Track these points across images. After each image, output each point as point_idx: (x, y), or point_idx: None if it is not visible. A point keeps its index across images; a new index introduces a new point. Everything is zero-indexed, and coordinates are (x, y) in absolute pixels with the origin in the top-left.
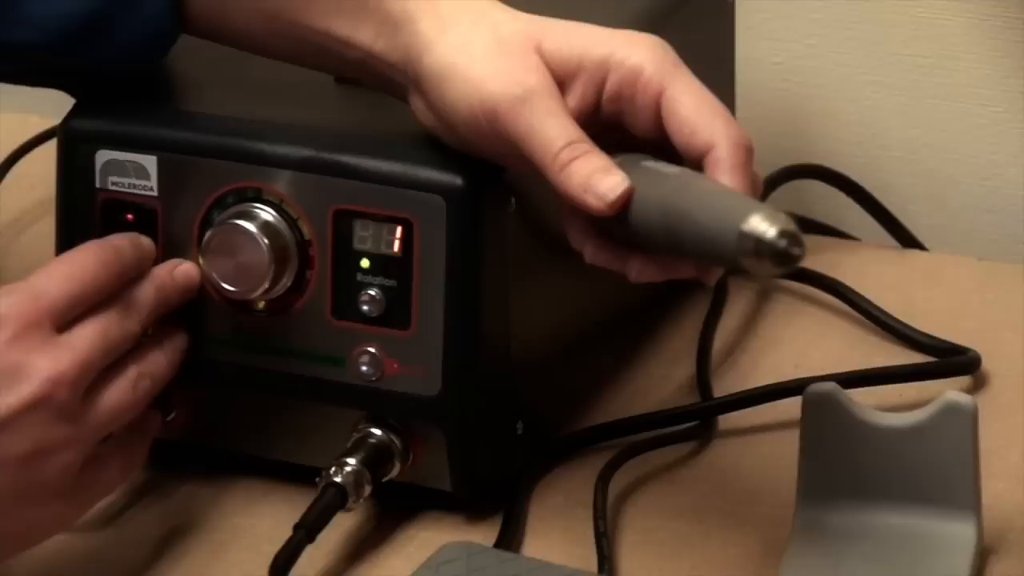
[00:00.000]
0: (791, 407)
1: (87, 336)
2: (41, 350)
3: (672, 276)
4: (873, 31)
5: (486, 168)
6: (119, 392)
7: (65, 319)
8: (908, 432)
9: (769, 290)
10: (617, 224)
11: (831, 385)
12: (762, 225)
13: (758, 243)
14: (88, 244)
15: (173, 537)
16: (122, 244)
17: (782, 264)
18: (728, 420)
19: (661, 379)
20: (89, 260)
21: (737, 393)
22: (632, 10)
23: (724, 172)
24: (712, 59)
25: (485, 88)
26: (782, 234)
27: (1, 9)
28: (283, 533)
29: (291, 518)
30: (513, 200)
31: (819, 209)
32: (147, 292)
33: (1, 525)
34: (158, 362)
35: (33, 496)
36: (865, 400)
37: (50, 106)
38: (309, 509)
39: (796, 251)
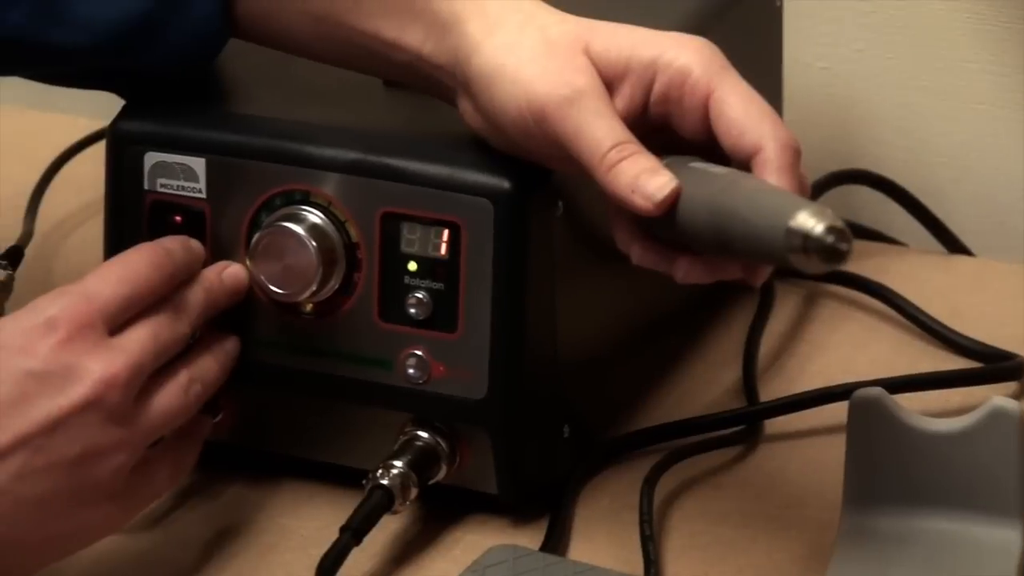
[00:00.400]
0: (837, 412)
1: (139, 338)
2: (93, 352)
3: (719, 277)
4: (921, 36)
5: (533, 171)
6: (171, 396)
7: (117, 321)
8: (954, 437)
9: (816, 295)
10: (664, 225)
11: (877, 390)
12: (809, 221)
13: (806, 239)
14: (140, 246)
15: (220, 538)
16: (173, 247)
17: (830, 260)
18: (774, 424)
19: (708, 383)
20: (141, 262)
21: (784, 398)
22: (680, 14)
23: (772, 173)
24: (760, 63)
25: (533, 89)
26: (829, 230)
27: (52, 11)
28: (329, 535)
29: (337, 520)
30: (560, 203)
31: (866, 214)
32: (197, 295)
33: (52, 526)
34: (210, 367)
35: (84, 498)
36: (911, 405)
37: (99, 108)
38: (356, 511)
39: (843, 247)
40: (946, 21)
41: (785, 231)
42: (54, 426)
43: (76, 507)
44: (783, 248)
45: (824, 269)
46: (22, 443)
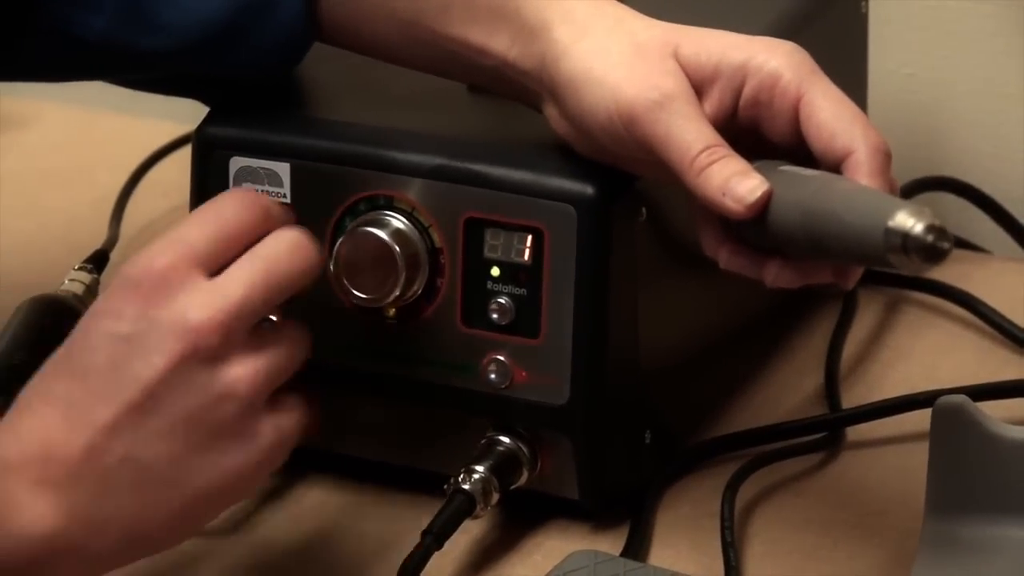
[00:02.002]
0: (920, 419)
1: (239, 276)
2: (182, 299)
3: (809, 281)
4: (1006, 43)
5: (617, 177)
6: (285, 337)
7: (212, 262)
8: None
9: (899, 302)
10: (754, 228)
11: (961, 398)
12: (909, 220)
13: (905, 238)
14: (224, 192)
15: (301, 543)
16: (259, 194)
17: (930, 259)
18: (857, 431)
19: (790, 389)
20: (227, 201)
21: (866, 405)
22: (766, 20)
23: (863, 177)
24: (845, 69)
25: (623, 93)
26: (929, 228)
27: (138, 17)
28: (411, 540)
29: (418, 525)
30: (643, 209)
31: (950, 221)
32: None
33: (187, 485)
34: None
35: (210, 446)
36: (995, 413)
37: (185, 112)
38: (437, 516)
39: (944, 245)
40: None
41: (885, 231)
42: (156, 386)
43: (205, 457)
44: (883, 248)
45: (924, 269)
46: (131, 410)
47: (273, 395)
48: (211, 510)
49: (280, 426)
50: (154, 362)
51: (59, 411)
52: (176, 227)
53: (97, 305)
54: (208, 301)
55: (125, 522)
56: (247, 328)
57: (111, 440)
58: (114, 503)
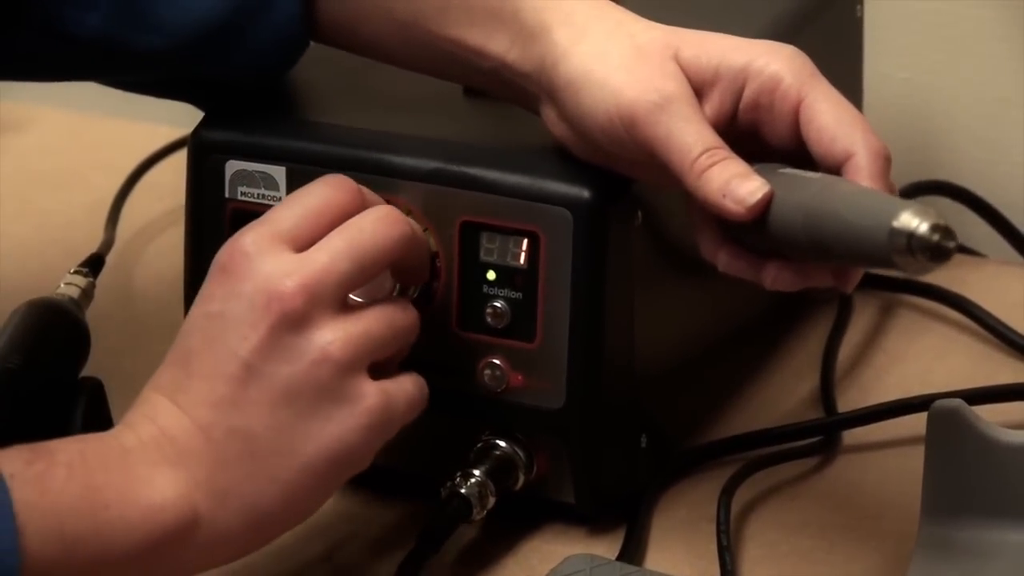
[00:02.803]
0: (916, 423)
1: (328, 247)
2: (270, 271)
3: (809, 284)
4: (1001, 47)
5: (612, 181)
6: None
7: (302, 238)
8: None
9: (894, 305)
10: (754, 231)
11: (957, 402)
12: (914, 220)
13: (911, 238)
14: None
15: (295, 546)
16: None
17: (935, 259)
18: (852, 435)
19: (785, 393)
20: (317, 184)
21: (862, 408)
22: (761, 23)
23: (864, 180)
24: (840, 73)
25: (623, 95)
26: (934, 228)
27: (132, 15)
28: (406, 543)
29: (413, 529)
30: (639, 213)
31: None
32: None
33: (307, 448)
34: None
35: (311, 411)
36: (991, 417)
37: (180, 116)
38: (433, 520)
39: (949, 244)
40: None
41: (889, 231)
42: (252, 357)
43: (310, 424)
44: (887, 248)
45: (929, 269)
46: (230, 383)
47: (381, 369)
48: (326, 481)
49: (387, 391)
50: (246, 334)
51: (167, 397)
52: (275, 207)
53: (198, 294)
54: (291, 269)
55: (244, 495)
56: (335, 296)
57: (216, 414)
58: (228, 475)
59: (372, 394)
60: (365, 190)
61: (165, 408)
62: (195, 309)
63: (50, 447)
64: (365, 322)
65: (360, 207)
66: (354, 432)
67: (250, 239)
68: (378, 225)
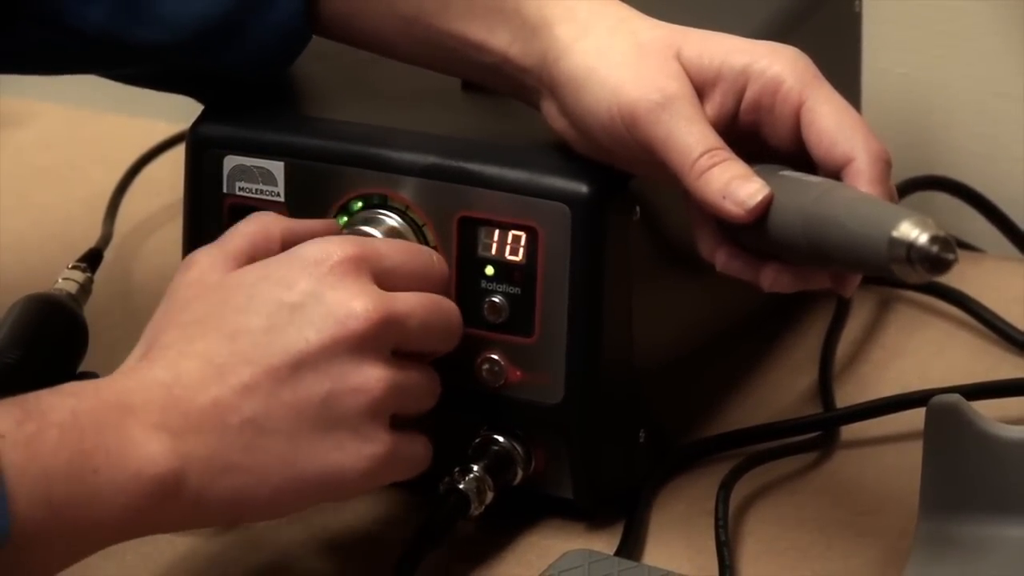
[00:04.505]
0: (914, 418)
1: (410, 300)
2: (353, 291)
3: (807, 287)
4: (999, 42)
5: (611, 177)
6: (424, 369)
7: (387, 279)
8: None
9: (892, 300)
10: (753, 232)
11: (955, 397)
12: (913, 231)
13: (910, 249)
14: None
15: (294, 542)
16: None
17: (934, 270)
18: (851, 431)
19: (784, 388)
20: (420, 246)
21: (860, 404)
22: (760, 20)
23: (863, 185)
24: (839, 69)
25: (624, 93)
26: (934, 240)
27: (133, 9)
28: (403, 537)
29: (412, 524)
30: (637, 208)
31: (943, 221)
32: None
33: (297, 463)
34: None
35: (327, 432)
36: (989, 412)
37: (178, 111)
38: (432, 515)
39: (949, 256)
40: None
41: (888, 241)
42: (301, 359)
43: (320, 443)
44: (886, 258)
45: (928, 279)
46: (269, 376)
47: (400, 424)
48: (310, 498)
49: (398, 446)
50: (307, 335)
51: (196, 365)
52: (373, 239)
53: (268, 270)
54: (376, 300)
55: (235, 483)
56: (396, 343)
57: (241, 400)
58: (226, 461)
59: (385, 442)
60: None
61: (189, 376)
62: (268, 289)
63: (42, 405)
64: (410, 376)
65: (444, 291)
66: (354, 469)
67: (352, 253)
68: (450, 320)
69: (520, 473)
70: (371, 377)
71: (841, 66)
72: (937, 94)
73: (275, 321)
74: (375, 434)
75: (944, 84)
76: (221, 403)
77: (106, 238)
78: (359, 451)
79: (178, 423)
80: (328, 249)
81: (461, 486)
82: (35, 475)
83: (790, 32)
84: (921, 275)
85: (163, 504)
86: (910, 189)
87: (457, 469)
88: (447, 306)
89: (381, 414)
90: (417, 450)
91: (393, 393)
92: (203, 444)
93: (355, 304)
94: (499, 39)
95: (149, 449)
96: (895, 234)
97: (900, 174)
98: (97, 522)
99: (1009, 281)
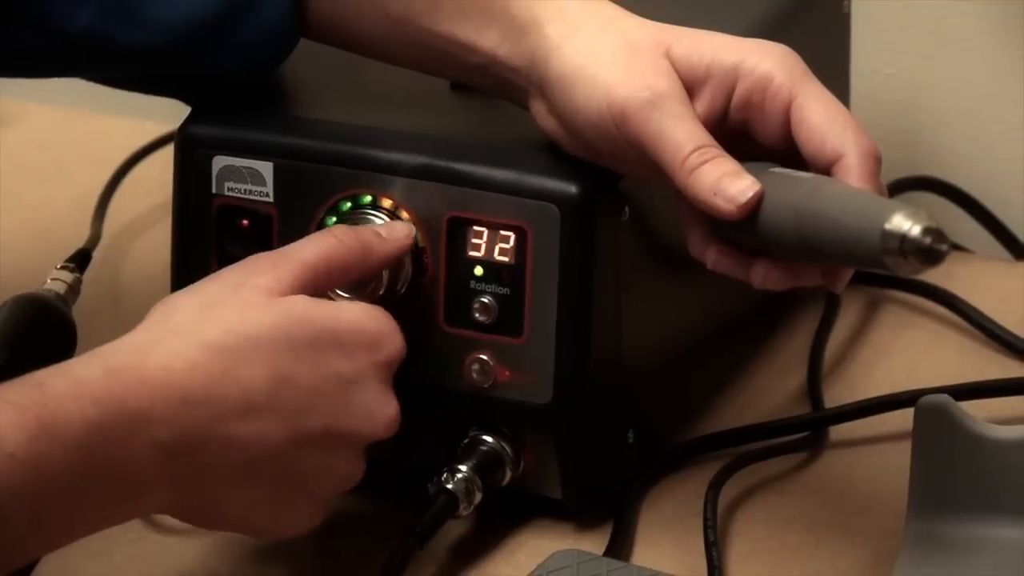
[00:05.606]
0: (903, 419)
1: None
2: (387, 402)
3: (798, 283)
4: (987, 43)
5: (600, 177)
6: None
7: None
8: (1021, 445)
9: (881, 301)
10: (744, 229)
11: (943, 397)
12: (906, 223)
13: (903, 241)
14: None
15: (282, 542)
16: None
17: (927, 261)
18: (839, 431)
19: (772, 389)
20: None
21: (849, 404)
22: (748, 21)
23: (854, 181)
24: (827, 69)
25: (615, 91)
26: (926, 231)
27: (124, 13)
28: (393, 538)
29: (400, 523)
30: (626, 209)
31: None
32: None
33: (318, 488)
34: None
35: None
36: (978, 413)
37: (167, 112)
38: (421, 515)
39: (941, 247)
40: (1014, 28)
41: (881, 233)
42: (320, 437)
43: (282, 504)
44: (878, 250)
45: (921, 270)
46: (293, 432)
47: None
48: (249, 535)
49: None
50: (340, 420)
51: (234, 391)
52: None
53: (338, 323)
54: (393, 413)
55: (193, 508)
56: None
57: (248, 444)
58: (208, 497)
59: (359, 472)
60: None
61: (223, 401)
62: (319, 366)
63: (57, 418)
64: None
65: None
66: (298, 528)
67: (396, 353)
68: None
69: (509, 473)
70: (354, 471)
71: (829, 67)
72: (925, 95)
73: (323, 388)
74: (325, 503)
75: (932, 85)
76: (232, 441)
77: (95, 238)
78: (307, 519)
79: (178, 476)
80: (380, 333)
81: (450, 486)
82: (29, 496)
83: (778, 33)
84: (914, 267)
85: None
86: (898, 190)
87: (446, 469)
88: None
89: (364, 447)
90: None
91: (388, 425)
92: (194, 472)
93: (382, 413)
94: (488, 39)
95: (152, 489)
96: (887, 226)
97: (888, 175)
98: (76, 531)
99: (997, 281)
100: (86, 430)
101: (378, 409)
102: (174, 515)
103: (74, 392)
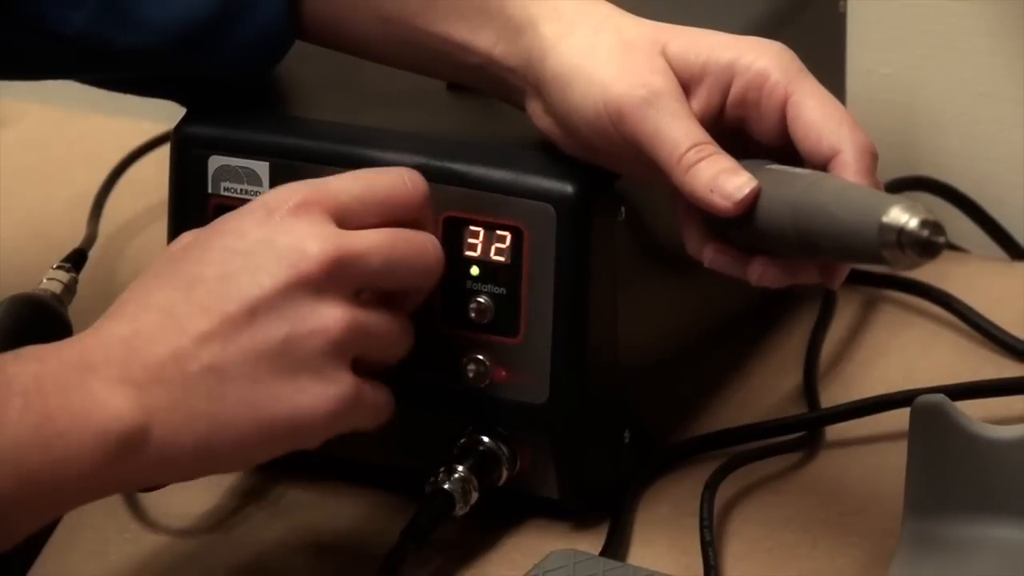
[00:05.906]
0: (899, 418)
1: (371, 237)
2: (307, 233)
3: (795, 280)
4: (983, 43)
5: (596, 176)
6: (387, 313)
7: (348, 217)
8: (1017, 445)
9: (877, 301)
10: (741, 226)
11: (939, 397)
12: (903, 216)
13: (900, 234)
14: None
15: (279, 542)
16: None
17: (925, 253)
18: (835, 431)
19: (768, 389)
20: (381, 174)
21: (845, 404)
22: (744, 20)
23: (850, 177)
24: (823, 69)
25: (611, 89)
26: (924, 223)
27: (119, 15)
28: (389, 538)
29: (397, 524)
30: (622, 208)
31: None
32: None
33: (271, 408)
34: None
35: (287, 373)
36: (974, 412)
37: (163, 112)
38: (416, 515)
39: (939, 240)
40: (1010, 28)
41: (879, 226)
42: (257, 305)
43: (283, 387)
44: (876, 244)
45: (919, 264)
46: (226, 323)
47: (364, 371)
48: (277, 444)
49: (362, 389)
50: (261, 281)
51: (154, 317)
52: (327, 177)
53: (223, 223)
54: (329, 239)
55: (199, 432)
56: (355, 284)
57: (200, 348)
58: (190, 410)
59: (349, 384)
60: (428, 201)
61: (148, 329)
62: (221, 239)
63: (7, 374)
64: (371, 319)
65: (420, 217)
66: (319, 411)
67: (302, 197)
68: (422, 254)
69: (505, 473)
70: (329, 317)
71: (825, 66)
72: (921, 95)
73: (228, 269)
74: (337, 375)
75: (928, 85)
76: (180, 353)
77: (91, 238)
78: (322, 392)
79: (140, 375)
80: (280, 195)
81: (446, 486)
82: (3, 448)
83: (774, 32)
84: (912, 260)
85: (130, 459)
86: (894, 190)
87: (442, 469)
88: (417, 239)
89: (342, 355)
90: (380, 397)
91: (354, 334)
92: (166, 394)
93: (307, 245)
94: (484, 39)
95: (113, 405)
96: (885, 219)
97: (884, 175)
98: (66, 484)
99: (993, 281)
100: (36, 378)
101: (301, 247)
102: (180, 448)
103: (16, 358)
